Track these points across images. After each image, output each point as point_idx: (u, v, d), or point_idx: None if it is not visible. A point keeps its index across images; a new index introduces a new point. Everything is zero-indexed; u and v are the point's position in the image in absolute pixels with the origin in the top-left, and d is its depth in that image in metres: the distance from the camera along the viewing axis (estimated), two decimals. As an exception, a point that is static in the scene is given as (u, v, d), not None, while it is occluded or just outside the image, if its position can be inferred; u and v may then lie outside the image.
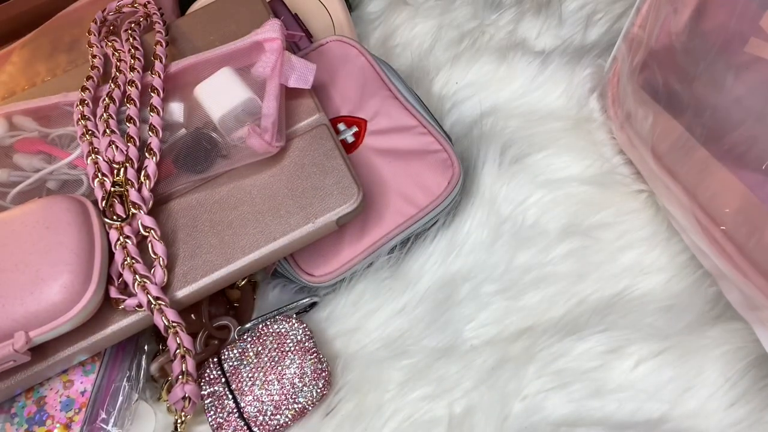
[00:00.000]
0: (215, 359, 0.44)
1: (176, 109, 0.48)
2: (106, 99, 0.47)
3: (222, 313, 0.48)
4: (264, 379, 0.43)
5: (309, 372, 0.42)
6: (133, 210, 0.43)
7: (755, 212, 0.33)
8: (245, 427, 0.42)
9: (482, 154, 0.52)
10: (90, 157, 0.44)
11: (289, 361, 0.43)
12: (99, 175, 0.44)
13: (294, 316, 0.45)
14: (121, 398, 0.45)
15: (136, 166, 0.44)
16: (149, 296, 0.40)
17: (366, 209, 0.47)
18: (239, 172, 0.46)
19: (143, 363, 0.47)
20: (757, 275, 0.33)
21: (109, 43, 0.52)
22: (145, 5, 0.56)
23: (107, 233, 0.42)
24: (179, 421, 0.42)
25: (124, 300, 0.41)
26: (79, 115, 0.47)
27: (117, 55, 0.51)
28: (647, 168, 0.43)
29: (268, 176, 0.45)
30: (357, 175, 0.45)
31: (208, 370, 0.44)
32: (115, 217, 0.42)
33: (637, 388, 0.41)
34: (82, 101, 0.47)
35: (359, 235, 0.47)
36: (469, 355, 0.44)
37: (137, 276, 0.41)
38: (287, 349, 0.43)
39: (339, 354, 0.46)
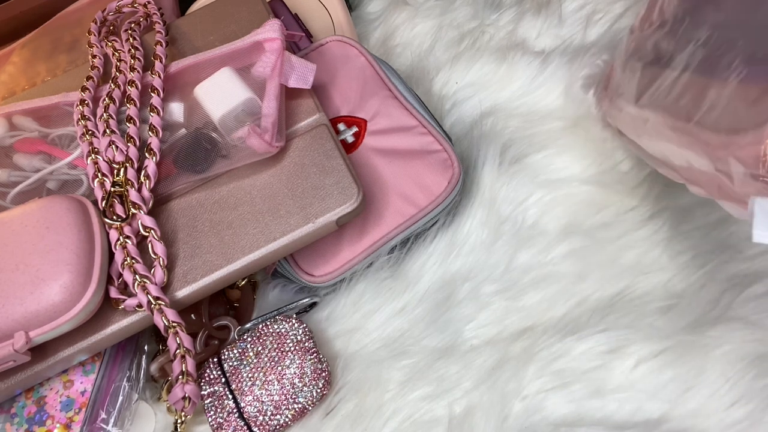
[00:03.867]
0: (215, 359, 0.44)
1: (176, 109, 0.48)
2: (106, 99, 0.47)
3: (222, 313, 0.48)
4: (264, 379, 0.43)
5: (309, 372, 0.42)
6: (133, 210, 0.43)
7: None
8: (245, 427, 0.42)
9: (482, 154, 0.52)
10: (90, 157, 0.44)
11: (289, 361, 0.43)
12: (99, 175, 0.44)
13: (294, 316, 0.45)
14: (121, 398, 0.45)
15: (136, 166, 0.44)
16: (149, 296, 0.40)
17: (366, 209, 0.47)
18: (239, 172, 0.46)
19: (143, 363, 0.47)
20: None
21: (109, 43, 0.52)
22: (145, 5, 0.56)
23: (107, 233, 0.42)
24: (179, 421, 0.42)
25: (124, 300, 0.41)
26: (79, 115, 0.47)
27: (117, 55, 0.51)
28: (633, 127, 0.44)
29: (268, 176, 0.45)
30: (357, 175, 0.45)
31: (208, 370, 0.44)
32: (115, 217, 0.42)
33: (637, 388, 0.41)
34: (82, 101, 0.47)
35: (359, 235, 0.47)
36: (469, 355, 0.44)
37: (137, 276, 0.41)
38: (287, 349, 0.43)
39: (339, 354, 0.46)
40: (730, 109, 0.35)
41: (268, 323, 0.45)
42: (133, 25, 0.54)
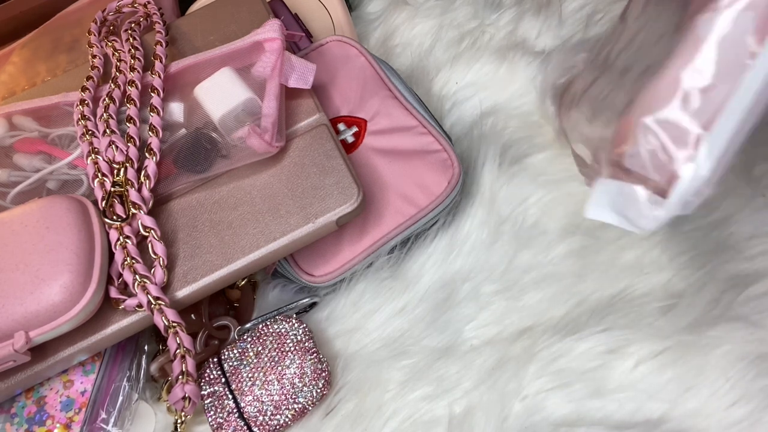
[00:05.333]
0: (215, 359, 0.44)
1: (176, 109, 0.48)
2: (106, 99, 0.47)
3: (222, 313, 0.48)
4: (264, 379, 0.43)
5: (309, 372, 0.42)
6: (133, 210, 0.43)
7: None
8: (245, 427, 0.42)
9: (482, 154, 0.52)
10: (90, 157, 0.44)
11: (289, 361, 0.43)
12: (99, 175, 0.44)
13: (294, 316, 0.45)
14: (121, 398, 0.45)
15: (136, 166, 0.44)
16: (149, 296, 0.40)
17: (366, 209, 0.47)
18: (239, 172, 0.46)
19: (143, 363, 0.47)
20: None
21: (109, 43, 0.52)
22: (145, 5, 0.56)
23: (107, 233, 0.42)
24: (179, 421, 0.42)
25: (124, 300, 0.41)
26: (79, 115, 0.47)
27: (117, 55, 0.51)
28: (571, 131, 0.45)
29: (268, 176, 0.45)
30: (357, 175, 0.45)
31: (208, 370, 0.44)
32: (115, 217, 0.42)
33: (637, 388, 0.41)
34: (82, 101, 0.47)
35: (359, 235, 0.47)
36: (469, 355, 0.44)
37: (137, 276, 0.41)
38: (287, 349, 0.43)
39: (339, 354, 0.46)
40: (617, 107, 0.37)
41: (268, 323, 0.45)
42: (133, 25, 0.54)
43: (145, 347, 0.48)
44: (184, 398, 0.40)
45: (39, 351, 0.41)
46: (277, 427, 0.42)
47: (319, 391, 0.43)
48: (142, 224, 0.42)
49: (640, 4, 0.43)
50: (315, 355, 0.43)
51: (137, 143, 0.45)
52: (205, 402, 0.43)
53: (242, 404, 0.42)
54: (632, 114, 0.33)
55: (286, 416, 0.42)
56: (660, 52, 0.35)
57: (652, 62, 0.35)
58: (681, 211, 0.32)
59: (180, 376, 0.40)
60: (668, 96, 0.32)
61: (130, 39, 0.52)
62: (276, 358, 0.43)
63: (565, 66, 0.51)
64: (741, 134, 0.31)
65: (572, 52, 0.55)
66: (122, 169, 0.44)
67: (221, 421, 0.42)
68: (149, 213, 0.43)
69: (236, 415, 0.42)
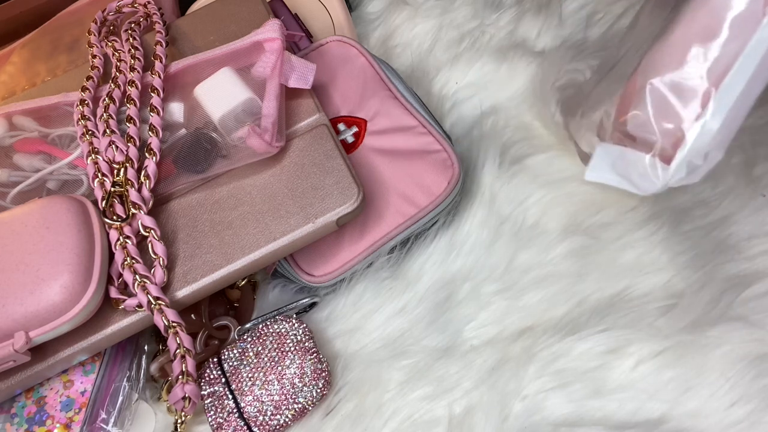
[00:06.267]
0: (215, 359, 0.44)
1: (176, 109, 0.48)
2: (106, 99, 0.47)
3: (222, 313, 0.48)
4: (264, 379, 0.43)
5: (309, 372, 0.42)
6: (133, 210, 0.43)
7: None
8: (245, 427, 0.42)
9: (482, 154, 0.52)
10: (90, 157, 0.44)
11: (289, 361, 0.43)
12: (99, 175, 0.44)
13: (294, 316, 0.45)
14: (121, 398, 0.45)
15: (136, 166, 0.44)
16: (149, 296, 0.40)
17: (366, 209, 0.47)
18: (239, 172, 0.46)
19: (143, 363, 0.47)
20: None
21: (109, 43, 0.52)
22: (145, 5, 0.56)
23: (107, 233, 0.42)
24: (179, 421, 0.42)
25: (124, 300, 0.41)
26: (79, 115, 0.47)
27: (117, 55, 0.51)
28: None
29: (268, 176, 0.45)
30: (357, 175, 0.45)
31: (208, 370, 0.44)
32: (115, 217, 0.42)
33: (637, 388, 0.41)
34: (82, 101, 0.47)
35: (359, 235, 0.47)
36: (469, 355, 0.44)
37: (137, 276, 0.41)
38: (287, 349, 0.43)
39: (339, 354, 0.46)
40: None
41: (268, 323, 0.45)
42: (133, 25, 0.54)
43: (145, 347, 0.48)
44: (184, 398, 0.40)
45: (39, 351, 0.41)
46: (277, 427, 0.42)
47: (319, 391, 0.43)
48: (142, 224, 0.42)
49: (647, 14, 0.44)
50: (315, 355, 0.43)
51: (137, 143, 0.45)
52: (205, 402, 0.43)
53: (242, 404, 0.42)
54: (637, 78, 0.32)
55: (286, 416, 0.42)
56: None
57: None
58: (686, 176, 0.31)
59: (180, 376, 0.40)
60: (677, 57, 0.31)
61: (130, 39, 0.52)
62: (276, 358, 0.43)
63: (562, 68, 0.51)
64: (749, 96, 0.30)
65: (569, 52, 0.55)
66: (122, 169, 0.44)
67: (221, 421, 0.42)
68: (149, 213, 0.43)
69: (236, 415, 0.42)
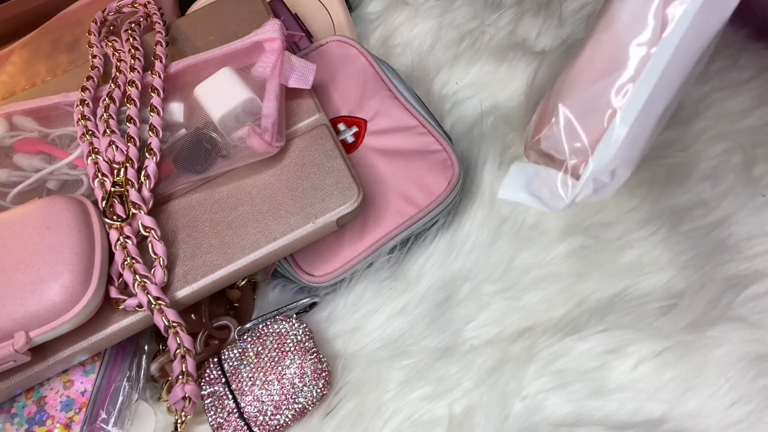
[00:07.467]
0: (215, 359, 0.44)
1: (176, 109, 0.48)
2: (106, 99, 0.47)
3: (222, 313, 0.48)
4: (264, 379, 0.43)
5: (309, 372, 0.42)
6: (133, 210, 0.43)
7: None
8: (245, 427, 0.42)
9: (482, 154, 0.52)
10: (90, 157, 0.44)
11: (289, 361, 0.43)
12: (99, 175, 0.44)
13: (294, 316, 0.45)
14: (121, 398, 0.45)
15: (136, 166, 0.44)
16: (149, 296, 0.40)
17: (366, 209, 0.47)
18: (239, 172, 0.46)
19: (143, 363, 0.47)
20: None
21: (109, 43, 0.52)
22: (145, 5, 0.56)
23: (107, 233, 0.42)
24: (179, 421, 0.42)
25: (124, 300, 0.41)
26: (80, 115, 0.47)
27: (117, 55, 0.51)
28: None
29: (268, 176, 0.45)
30: (357, 175, 0.45)
31: (208, 370, 0.44)
32: (115, 217, 0.42)
33: (637, 388, 0.41)
34: (82, 101, 0.47)
35: (359, 235, 0.47)
36: (469, 355, 0.44)
37: (137, 276, 0.41)
38: (287, 349, 0.43)
39: (339, 354, 0.46)
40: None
41: (268, 323, 0.45)
42: (133, 25, 0.54)
43: (145, 347, 0.48)
44: (184, 398, 0.40)
45: (39, 351, 0.41)
46: (277, 427, 0.42)
47: (319, 391, 0.43)
48: (142, 224, 0.42)
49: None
50: (315, 355, 0.43)
51: (137, 143, 0.45)
52: (205, 402, 0.43)
53: (242, 404, 0.42)
54: (551, 98, 0.33)
55: (286, 416, 0.42)
56: None
57: None
58: (594, 193, 0.32)
59: (180, 376, 0.40)
60: (585, 79, 0.32)
61: (130, 39, 0.52)
62: (276, 358, 0.43)
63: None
64: (654, 108, 0.31)
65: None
66: (122, 169, 0.44)
67: (221, 421, 0.42)
68: (149, 213, 0.43)
69: (236, 415, 0.42)
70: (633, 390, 0.41)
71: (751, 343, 0.40)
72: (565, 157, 0.33)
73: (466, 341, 0.45)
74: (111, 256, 0.42)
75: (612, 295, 0.45)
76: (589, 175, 0.32)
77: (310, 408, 0.43)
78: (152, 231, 0.42)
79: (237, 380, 0.43)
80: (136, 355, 0.47)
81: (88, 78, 0.50)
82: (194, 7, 0.62)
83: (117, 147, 0.44)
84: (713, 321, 0.42)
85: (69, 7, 0.62)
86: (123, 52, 0.51)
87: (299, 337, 0.44)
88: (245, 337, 0.45)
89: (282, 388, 0.42)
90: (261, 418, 0.42)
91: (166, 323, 0.40)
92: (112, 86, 0.48)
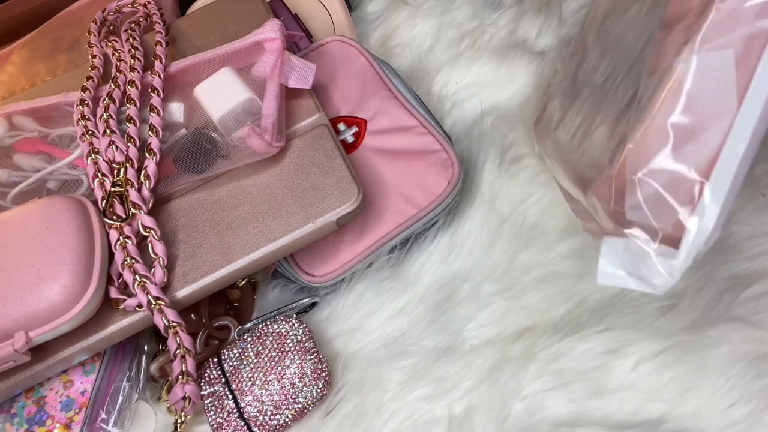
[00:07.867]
0: (215, 359, 0.44)
1: (176, 109, 0.48)
2: (106, 99, 0.47)
3: (222, 313, 0.48)
4: (264, 379, 0.43)
5: (309, 372, 0.42)
6: (133, 210, 0.43)
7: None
8: (245, 427, 0.42)
9: (482, 154, 0.52)
10: (90, 157, 0.44)
11: (289, 361, 0.43)
12: (99, 175, 0.44)
13: (294, 316, 0.45)
14: (121, 398, 0.45)
15: (136, 166, 0.44)
16: (149, 296, 0.40)
17: (366, 209, 0.47)
18: (239, 172, 0.46)
19: (143, 363, 0.47)
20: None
21: (109, 43, 0.52)
22: (145, 5, 0.56)
23: (107, 233, 0.42)
24: (179, 421, 0.42)
25: (124, 300, 0.41)
26: (79, 115, 0.47)
27: (117, 55, 0.51)
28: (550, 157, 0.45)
29: (268, 176, 0.45)
30: (357, 175, 0.45)
31: (208, 370, 0.44)
32: (115, 217, 0.42)
33: (637, 388, 0.41)
34: (82, 101, 0.47)
35: (359, 235, 0.47)
36: (469, 355, 0.44)
37: (137, 276, 0.41)
38: (287, 349, 0.43)
39: (339, 354, 0.46)
40: (600, 143, 0.36)
41: (268, 323, 0.45)
42: (133, 25, 0.54)
43: (145, 347, 0.48)
44: (184, 398, 0.40)
45: (39, 351, 0.41)
46: (277, 427, 0.42)
47: (319, 391, 0.43)
48: (142, 224, 0.42)
49: (597, 23, 0.43)
50: (315, 355, 0.43)
51: (137, 143, 0.45)
52: (205, 402, 0.43)
53: (242, 404, 0.42)
54: (626, 167, 0.32)
55: (286, 416, 0.42)
56: (639, 73, 0.34)
57: (636, 86, 0.33)
58: (692, 263, 0.31)
59: (180, 376, 0.40)
60: (658, 145, 0.31)
61: (130, 39, 0.52)
62: (276, 358, 0.43)
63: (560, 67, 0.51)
64: (742, 173, 0.30)
65: (564, 51, 0.54)
66: (122, 169, 0.44)
67: (221, 421, 0.42)
68: (149, 213, 0.43)
69: (236, 415, 0.42)
70: (633, 390, 0.41)
71: (751, 343, 0.40)
72: (654, 223, 0.31)
73: (466, 341, 0.45)
74: (111, 256, 0.42)
75: (612, 295, 0.45)
76: (687, 253, 0.30)
77: (310, 408, 0.43)
78: (152, 231, 0.42)
79: (237, 380, 0.43)
80: (136, 355, 0.47)
81: (88, 78, 0.50)
82: (194, 7, 0.62)
83: (117, 147, 0.44)
84: (713, 321, 0.42)
85: (69, 7, 0.62)
86: (123, 52, 0.51)
87: (299, 337, 0.44)
88: (245, 337, 0.45)
89: (282, 388, 0.42)
90: (261, 418, 0.42)
91: (166, 323, 0.40)
92: (112, 86, 0.48)
